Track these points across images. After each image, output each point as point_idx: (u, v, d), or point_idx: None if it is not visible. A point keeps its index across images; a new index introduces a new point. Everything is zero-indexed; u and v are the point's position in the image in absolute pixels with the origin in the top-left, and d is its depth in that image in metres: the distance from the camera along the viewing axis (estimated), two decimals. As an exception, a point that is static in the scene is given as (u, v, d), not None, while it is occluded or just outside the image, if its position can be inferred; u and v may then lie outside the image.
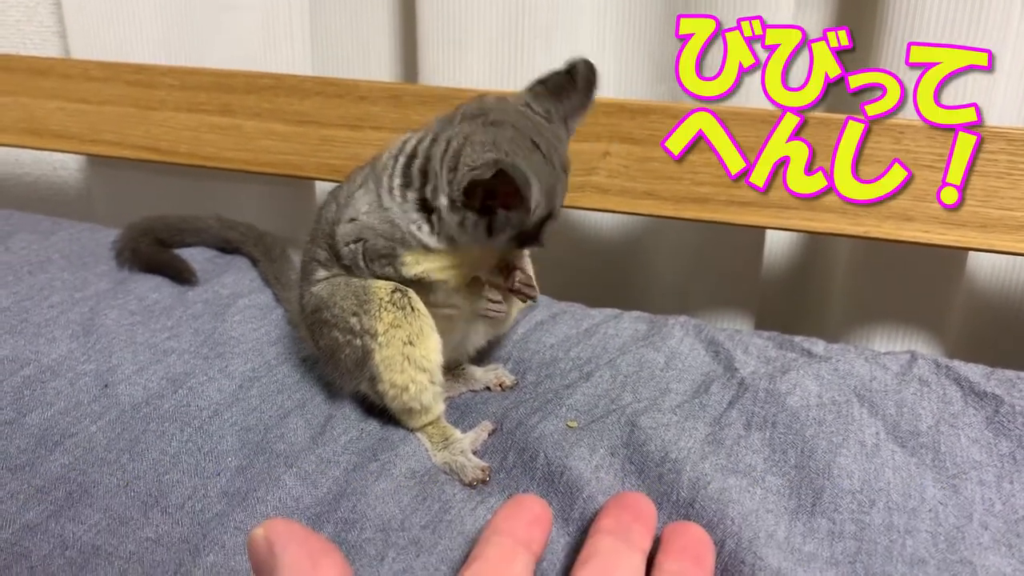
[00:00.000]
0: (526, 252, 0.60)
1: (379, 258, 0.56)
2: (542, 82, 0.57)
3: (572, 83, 0.57)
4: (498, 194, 0.50)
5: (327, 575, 0.36)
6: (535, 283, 0.59)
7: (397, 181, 0.55)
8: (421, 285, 0.57)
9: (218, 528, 0.50)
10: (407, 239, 0.55)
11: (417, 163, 0.54)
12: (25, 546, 0.49)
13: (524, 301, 0.59)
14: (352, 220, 0.57)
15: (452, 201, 0.52)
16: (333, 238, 0.58)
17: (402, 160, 0.55)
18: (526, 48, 0.89)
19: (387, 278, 0.57)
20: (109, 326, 0.72)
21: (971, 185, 0.74)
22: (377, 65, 1.04)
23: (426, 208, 0.54)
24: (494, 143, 0.51)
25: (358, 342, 0.57)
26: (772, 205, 0.79)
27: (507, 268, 0.59)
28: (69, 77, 0.98)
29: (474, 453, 0.57)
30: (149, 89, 0.95)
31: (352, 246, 0.57)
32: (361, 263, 0.57)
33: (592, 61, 0.57)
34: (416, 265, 0.56)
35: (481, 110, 0.53)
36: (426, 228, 0.54)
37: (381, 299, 0.56)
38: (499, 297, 0.58)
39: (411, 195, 0.54)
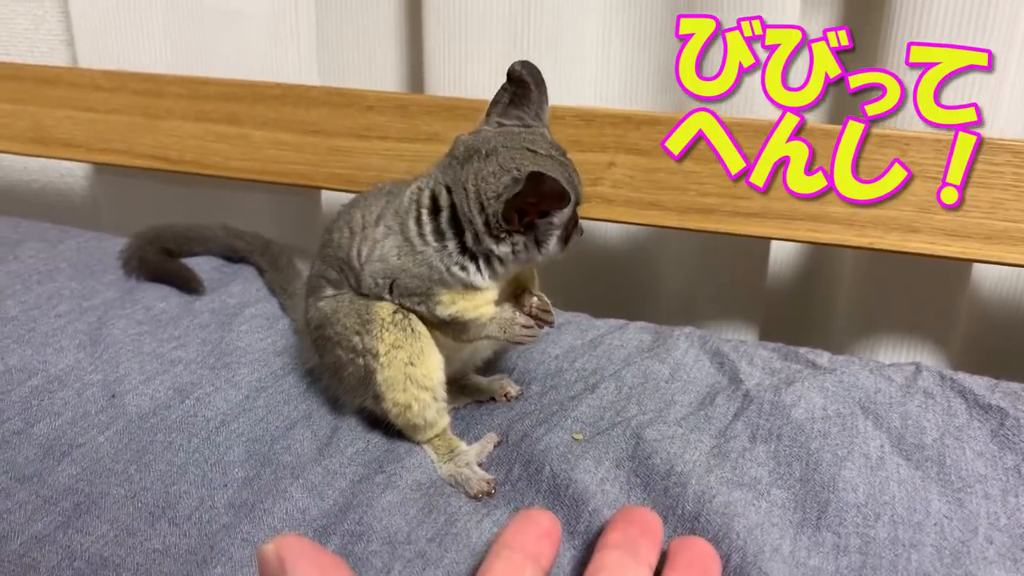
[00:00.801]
0: (536, 280, 0.61)
1: (411, 295, 0.57)
2: (495, 103, 0.58)
3: (521, 85, 0.57)
4: (530, 206, 0.52)
5: None
6: (550, 307, 0.60)
7: (429, 228, 0.55)
8: (452, 326, 0.57)
9: (225, 540, 0.50)
10: (447, 279, 0.55)
11: (444, 215, 0.55)
12: (34, 557, 0.49)
13: (541, 327, 0.59)
14: (381, 261, 0.57)
15: (497, 237, 0.54)
16: (349, 264, 0.58)
17: (426, 213, 0.55)
18: (532, 59, 0.89)
19: (417, 313, 0.58)
20: (116, 336, 0.72)
21: (976, 197, 0.74)
22: (383, 75, 1.04)
23: (467, 252, 0.55)
24: (501, 167, 0.52)
25: (361, 361, 0.58)
26: (777, 216, 0.79)
27: (520, 296, 0.60)
28: (77, 86, 0.98)
29: (480, 465, 0.57)
30: (156, 98, 0.95)
31: (381, 282, 0.57)
32: (386, 295, 0.57)
33: (526, 61, 0.58)
34: (452, 305, 0.56)
35: (471, 149, 0.55)
36: (472, 268, 0.55)
37: (383, 319, 0.57)
38: (530, 322, 0.58)
39: (451, 244, 0.55)
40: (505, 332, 0.57)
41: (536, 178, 0.50)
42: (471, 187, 0.53)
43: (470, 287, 0.56)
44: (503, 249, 0.54)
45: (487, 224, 0.53)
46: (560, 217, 0.53)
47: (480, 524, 0.52)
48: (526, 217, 0.53)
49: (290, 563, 0.37)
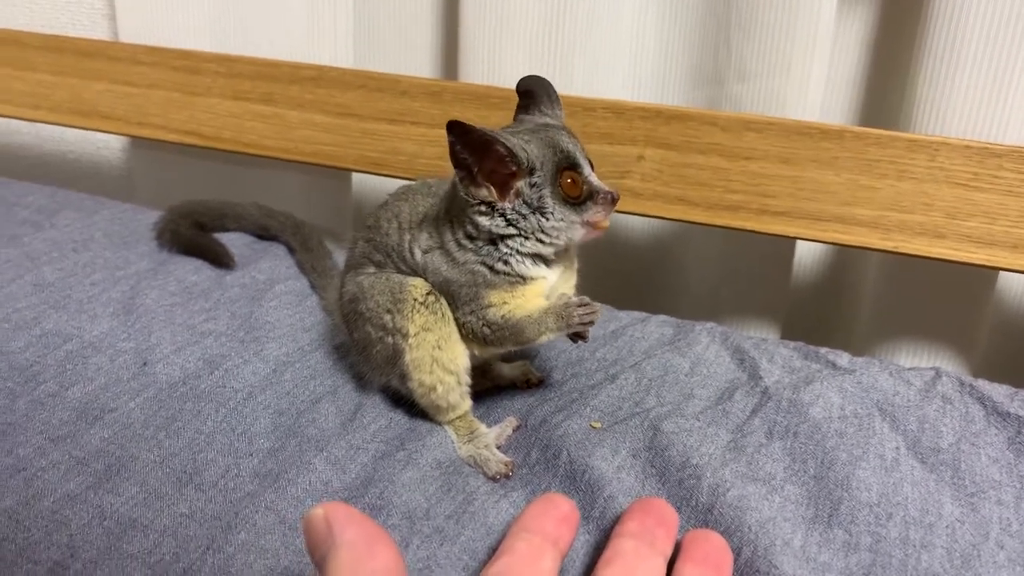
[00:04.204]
0: (575, 277, 0.62)
1: (464, 305, 0.58)
2: (515, 119, 0.60)
3: (528, 95, 0.61)
4: (476, 162, 0.53)
5: (382, 558, 0.38)
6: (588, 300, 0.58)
7: (462, 234, 0.57)
8: (511, 335, 0.57)
9: (250, 507, 0.52)
10: (491, 280, 0.57)
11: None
12: (65, 515, 0.51)
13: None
14: (435, 274, 0.58)
15: (480, 211, 0.55)
16: (401, 256, 0.60)
17: (456, 223, 0.57)
18: (565, 49, 0.90)
19: (470, 328, 0.58)
20: (149, 306, 0.74)
21: (1005, 205, 0.74)
22: (417, 60, 1.05)
23: (494, 242, 0.56)
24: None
25: (390, 340, 0.59)
26: (805, 216, 0.79)
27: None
28: (117, 60, 1.00)
29: (498, 448, 0.59)
30: (195, 75, 0.97)
31: (445, 292, 0.58)
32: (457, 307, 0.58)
33: (530, 75, 0.61)
34: (503, 306, 0.57)
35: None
36: (514, 260, 0.56)
37: (415, 299, 0.58)
38: (586, 299, 0.57)
39: (485, 245, 0.56)
40: (565, 320, 0.56)
41: (452, 126, 0.51)
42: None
43: (517, 282, 0.57)
44: (497, 222, 0.55)
45: (468, 202, 0.55)
46: (538, 174, 0.54)
47: (497, 504, 0.53)
48: (492, 178, 0.54)
49: (338, 528, 0.38)
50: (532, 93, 0.60)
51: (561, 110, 0.61)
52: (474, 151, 0.53)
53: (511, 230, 0.55)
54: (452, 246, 0.57)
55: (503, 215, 0.55)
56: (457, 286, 0.57)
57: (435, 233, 0.58)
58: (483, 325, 0.57)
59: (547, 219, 0.55)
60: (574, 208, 0.55)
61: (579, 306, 0.56)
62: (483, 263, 0.56)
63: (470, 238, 0.56)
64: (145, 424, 0.59)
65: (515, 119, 0.60)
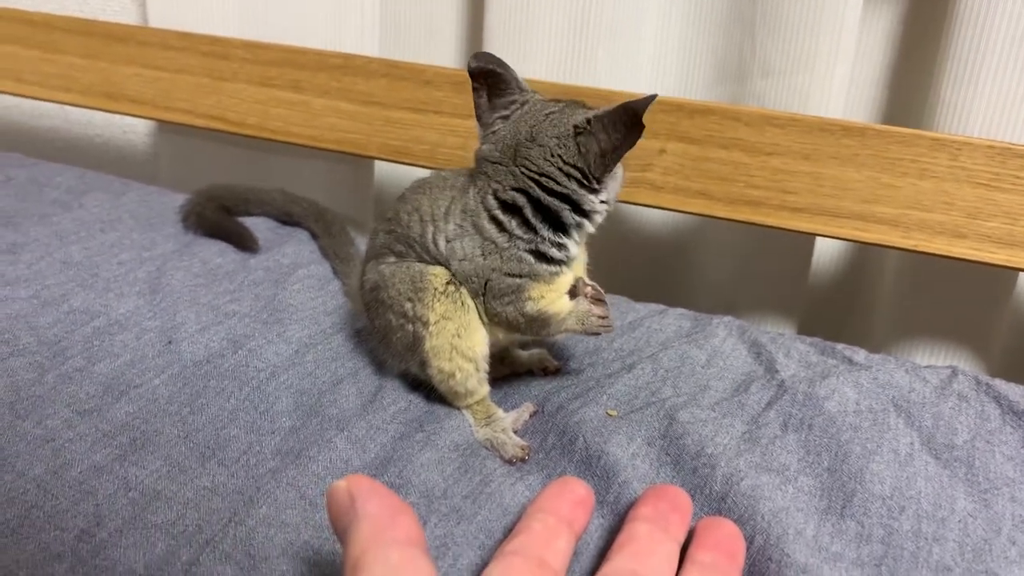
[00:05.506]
0: (585, 268, 0.63)
1: (502, 296, 0.58)
2: (478, 109, 0.60)
3: (488, 75, 0.59)
4: (619, 142, 0.55)
5: (404, 529, 0.38)
6: (603, 295, 0.61)
7: (514, 224, 0.57)
8: (535, 324, 0.59)
9: (271, 483, 0.53)
10: (538, 270, 0.57)
11: (529, 211, 0.57)
12: (92, 485, 0.52)
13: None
14: (468, 261, 0.58)
15: (595, 189, 0.57)
16: (424, 247, 0.60)
17: (501, 214, 0.57)
18: (590, 41, 0.90)
19: (502, 317, 0.59)
20: (174, 286, 0.75)
21: (1025, 206, 0.74)
22: (442, 50, 1.06)
23: (562, 229, 0.58)
24: (559, 136, 0.56)
25: (410, 327, 0.60)
26: (824, 212, 0.79)
27: (574, 285, 0.61)
28: (147, 44, 1.02)
29: (515, 432, 0.59)
30: (223, 61, 0.98)
31: (475, 280, 0.58)
32: (483, 298, 0.59)
33: (476, 53, 0.59)
34: (540, 299, 0.58)
35: (509, 147, 0.57)
36: (570, 242, 0.58)
37: (436, 288, 0.59)
38: (606, 312, 0.59)
39: (544, 231, 0.57)
40: (584, 324, 0.59)
41: (643, 107, 0.52)
42: (551, 169, 0.56)
43: (556, 272, 0.58)
44: (602, 199, 0.57)
45: (586, 180, 0.56)
46: (622, 143, 0.55)
47: (513, 487, 0.54)
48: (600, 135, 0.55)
49: (361, 500, 0.39)
50: (491, 73, 0.58)
51: (519, 77, 0.60)
52: (630, 134, 0.54)
53: (607, 206, 0.58)
54: (498, 237, 0.57)
55: (607, 188, 0.57)
56: (499, 275, 0.58)
57: (468, 222, 0.58)
58: (519, 315, 0.58)
59: (617, 188, 0.59)
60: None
61: (600, 316, 0.59)
62: (532, 250, 0.57)
63: (529, 229, 0.57)
64: (169, 400, 0.60)
65: (488, 102, 0.59)
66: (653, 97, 0.53)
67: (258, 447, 0.56)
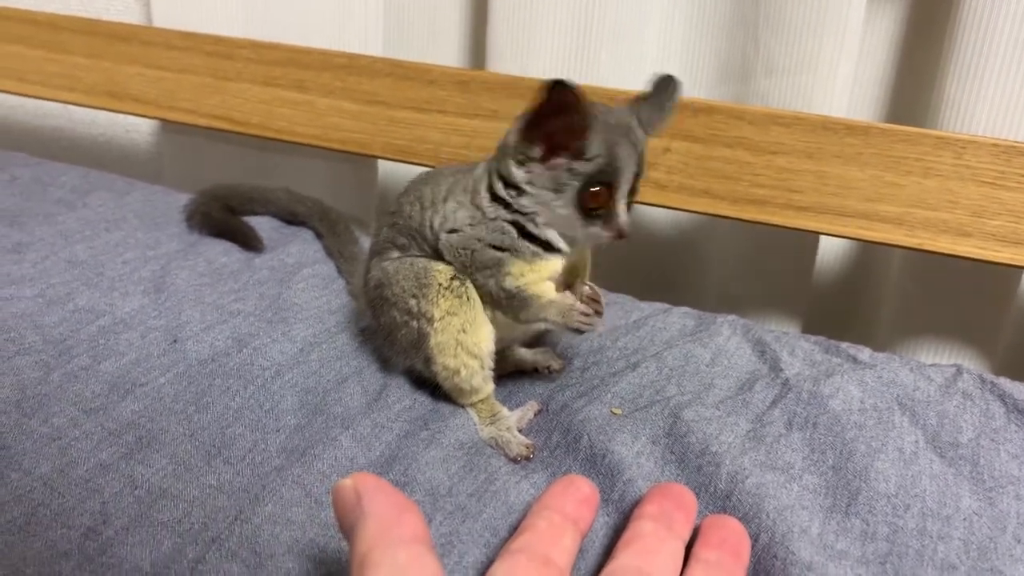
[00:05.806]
0: (588, 270, 0.62)
1: (484, 268, 0.58)
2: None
3: (652, 95, 0.59)
4: (550, 124, 0.53)
5: (409, 527, 0.39)
6: (600, 297, 0.60)
7: (503, 189, 0.57)
8: (515, 304, 0.58)
9: (276, 480, 0.53)
10: (518, 246, 0.57)
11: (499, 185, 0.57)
12: (98, 483, 0.52)
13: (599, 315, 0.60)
14: (454, 231, 0.59)
15: (519, 160, 0.56)
16: (421, 234, 0.60)
17: (498, 182, 0.58)
18: (593, 40, 0.90)
19: (485, 290, 0.59)
20: (179, 285, 0.75)
21: (1031, 205, 0.74)
22: (445, 49, 1.06)
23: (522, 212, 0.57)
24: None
25: (415, 324, 0.60)
26: (829, 211, 0.79)
27: (573, 285, 0.61)
28: (151, 44, 1.02)
29: (520, 431, 0.59)
30: (227, 60, 0.98)
31: (462, 252, 0.59)
32: (469, 270, 0.59)
33: (671, 75, 0.59)
34: (520, 277, 0.58)
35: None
36: (539, 219, 0.57)
37: (440, 284, 0.59)
38: (589, 310, 0.58)
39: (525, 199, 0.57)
40: (564, 317, 0.58)
41: (554, 85, 0.50)
42: (508, 140, 0.57)
43: (538, 254, 0.57)
44: (520, 174, 0.56)
45: (515, 146, 0.56)
46: (583, 166, 0.54)
47: (518, 485, 0.54)
48: (550, 141, 0.54)
49: (367, 498, 0.39)
50: (654, 96, 0.59)
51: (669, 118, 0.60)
52: (559, 112, 0.52)
53: (528, 188, 0.56)
54: (487, 205, 0.58)
55: (529, 170, 0.56)
56: (482, 246, 0.58)
57: (465, 196, 0.59)
58: (499, 290, 0.58)
59: (554, 205, 0.56)
60: (583, 214, 0.56)
61: (582, 313, 0.58)
62: (514, 222, 0.57)
63: (507, 185, 0.57)
64: (175, 399, 0.60)
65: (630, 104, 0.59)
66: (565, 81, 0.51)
67: (263, 445, 0.56)
